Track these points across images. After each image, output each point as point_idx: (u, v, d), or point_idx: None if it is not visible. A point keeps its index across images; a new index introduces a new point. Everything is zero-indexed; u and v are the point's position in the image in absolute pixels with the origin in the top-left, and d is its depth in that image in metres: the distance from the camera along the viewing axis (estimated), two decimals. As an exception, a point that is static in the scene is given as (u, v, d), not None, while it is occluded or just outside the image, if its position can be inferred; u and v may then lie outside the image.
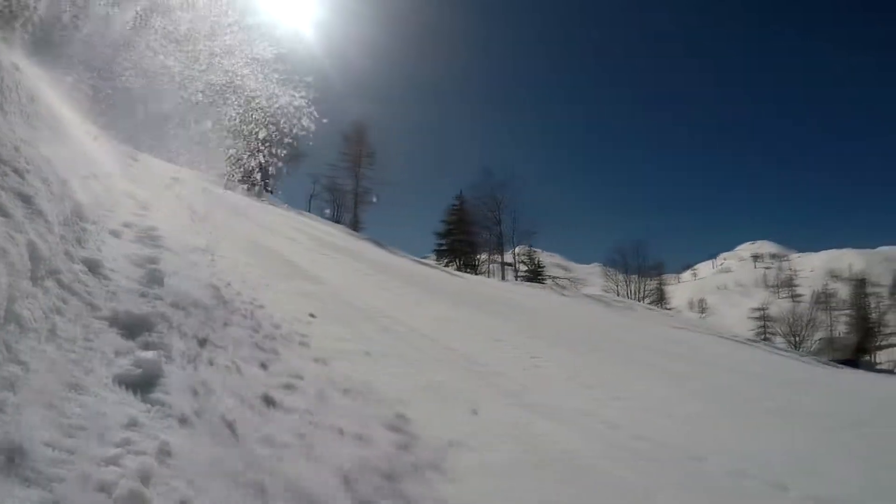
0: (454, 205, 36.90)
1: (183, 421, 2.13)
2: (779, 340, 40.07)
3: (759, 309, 62.17)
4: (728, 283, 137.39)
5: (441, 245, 36.12)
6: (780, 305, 69.37)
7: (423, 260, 24.88)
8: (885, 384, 17.37)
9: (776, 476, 4.04)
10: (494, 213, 34.54)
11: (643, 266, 41.82)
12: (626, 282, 41.22)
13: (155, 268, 3.47)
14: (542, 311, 14.93)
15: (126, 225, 4.14)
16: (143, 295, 3.04)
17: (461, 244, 35.36)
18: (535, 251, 38.22)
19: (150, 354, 2.40)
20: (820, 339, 45.60)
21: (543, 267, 37.46)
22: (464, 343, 7.06)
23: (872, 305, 60.54)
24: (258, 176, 6.98)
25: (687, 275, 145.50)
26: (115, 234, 3.80)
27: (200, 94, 6.40)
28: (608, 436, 4.45)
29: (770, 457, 4.57)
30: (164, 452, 1.84)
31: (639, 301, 35.41)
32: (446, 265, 31.33)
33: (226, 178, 7.28)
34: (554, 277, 36.18)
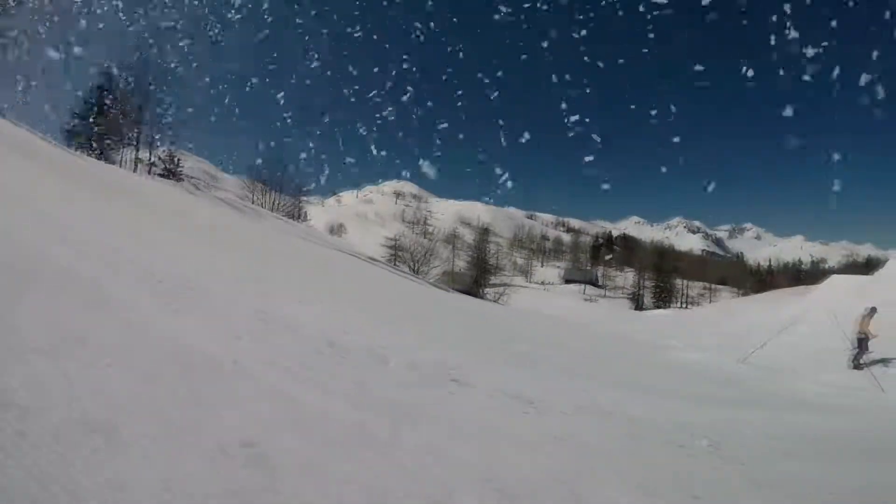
0: (100, 86, 33.05)
1: None
2: (404, 267, 46.85)
3: (391, 238, 69.26)
4: (369, 213, 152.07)
5: (75, 126, 32.38)
6: (411, 239, 76.54)
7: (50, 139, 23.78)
8: (468, 302, 22.53)
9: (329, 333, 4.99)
10: (142, 103, 32.91)
11: (283, 182, 44.93)
12: (262, 193, 44.27)
13: None
14: (151, 194, 17.33)
15: None
16: None
17: (100, 129, 32.31)
18: (180, 153, 37.12)
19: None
20: (443, 271, 52.68)
21: (182, 168, 36.92)
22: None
23: (492, 251, 75.15)
24: None
25: (332, 200, 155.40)
26: None
27: None
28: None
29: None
30: None
31: (272, 212, 37.82)
32: (77, 149, 28.58)
33: None
34: (190, 178, 37.25)
